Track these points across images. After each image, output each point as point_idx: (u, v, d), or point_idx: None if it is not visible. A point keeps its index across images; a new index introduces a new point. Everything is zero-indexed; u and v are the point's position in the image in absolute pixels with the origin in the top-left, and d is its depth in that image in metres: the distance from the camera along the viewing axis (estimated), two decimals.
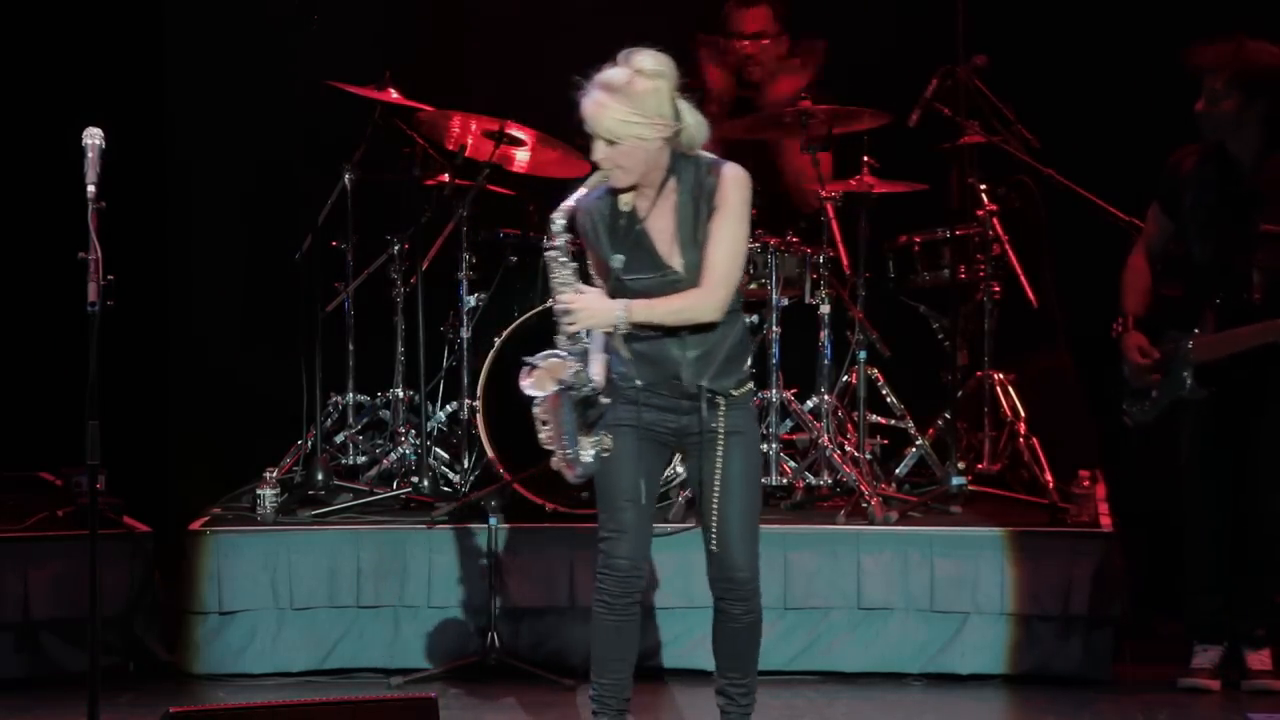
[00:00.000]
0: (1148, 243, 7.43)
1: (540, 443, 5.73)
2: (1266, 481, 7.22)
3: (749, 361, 5.82)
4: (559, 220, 5.67)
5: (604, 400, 5.68)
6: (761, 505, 5.84)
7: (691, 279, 5.63)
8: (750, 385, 5.80)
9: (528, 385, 5.64)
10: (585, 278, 5.79)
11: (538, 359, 5.65)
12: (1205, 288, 7.23)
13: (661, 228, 5.67)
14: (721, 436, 5.69)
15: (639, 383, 5.70)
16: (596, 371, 5.70)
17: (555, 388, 5.63)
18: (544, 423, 5.70)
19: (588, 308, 5.64)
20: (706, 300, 5.63)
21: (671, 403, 5.71)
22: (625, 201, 5.69)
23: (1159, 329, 7.32)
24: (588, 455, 5.69)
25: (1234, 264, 7.18)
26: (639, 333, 5.66)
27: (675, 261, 5.65)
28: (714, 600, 5.82)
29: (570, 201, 5.69)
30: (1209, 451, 7.28)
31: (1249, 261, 7.16)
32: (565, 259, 5.67)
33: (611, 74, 5.58)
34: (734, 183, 5.64)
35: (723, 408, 5.69)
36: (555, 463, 5.75)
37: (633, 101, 5.55)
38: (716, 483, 5.68)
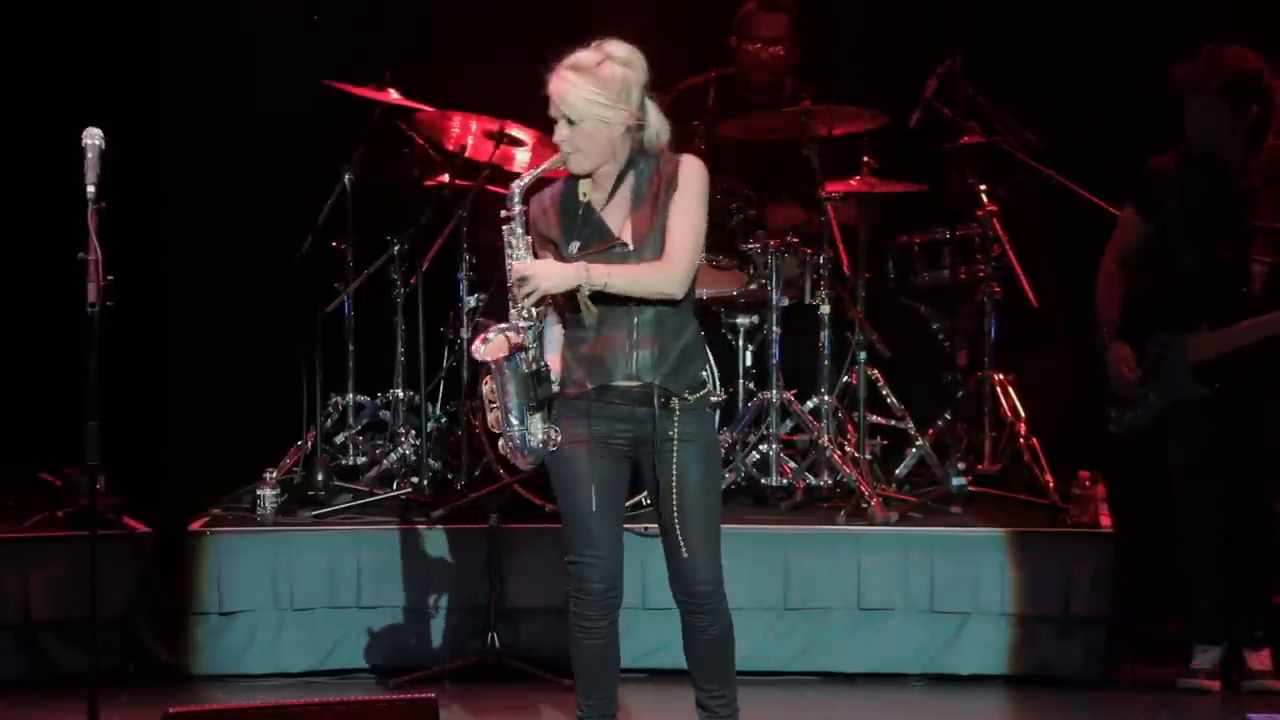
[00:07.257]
0: (1122, 247, 7.39)
1: (489, 425, 5.58)
2: (1259, 479, 7.23)
3: (705, 369, 5.64)
4: (517, 192, 5.56)
5: (555, 385, 5.52)
6: (721, 512, 5.65)
7: (639, 255, 5.50)
8: (705, 393, 5.60)
9: (479, 350, 5.49)
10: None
11: (494, 328, 5.52)
12: (1196, 289, 7.21)
13: (616, 217, 5.57)
14: (676, 445, 5.51)
15: (590, 387, 5.52)
16: (551, 357, 5.56)
17: (505, 354, 5.48)
18: (492, 402, 5.56)
19: (545, 271, 5.50)
20: (667, 273, 5.49)
21: (625, 411, 5.53)
22: (583, 192, 5.60)
23: (1140, 333, 7.30)
24: (536, 438, 5.52)
25: (1229, 263, 7.17)
26: (585, 334, 5.52)
27: (626, 235, 5.54)
28: (680, 614, 5.66)
29: (526, 178, 5.59)
30: (1204, 451, 7.27)
31: (1246, 258, 7.16)
32: (521, 230, 5.56)
33: (581, 55, 5.53)
34: (693, 168, 5.56)
35: (677, 413, 5.51)
36: (502, 446, 5.58)
37: (600, 84, 5.48)
38: (673, 494, 5.52)
